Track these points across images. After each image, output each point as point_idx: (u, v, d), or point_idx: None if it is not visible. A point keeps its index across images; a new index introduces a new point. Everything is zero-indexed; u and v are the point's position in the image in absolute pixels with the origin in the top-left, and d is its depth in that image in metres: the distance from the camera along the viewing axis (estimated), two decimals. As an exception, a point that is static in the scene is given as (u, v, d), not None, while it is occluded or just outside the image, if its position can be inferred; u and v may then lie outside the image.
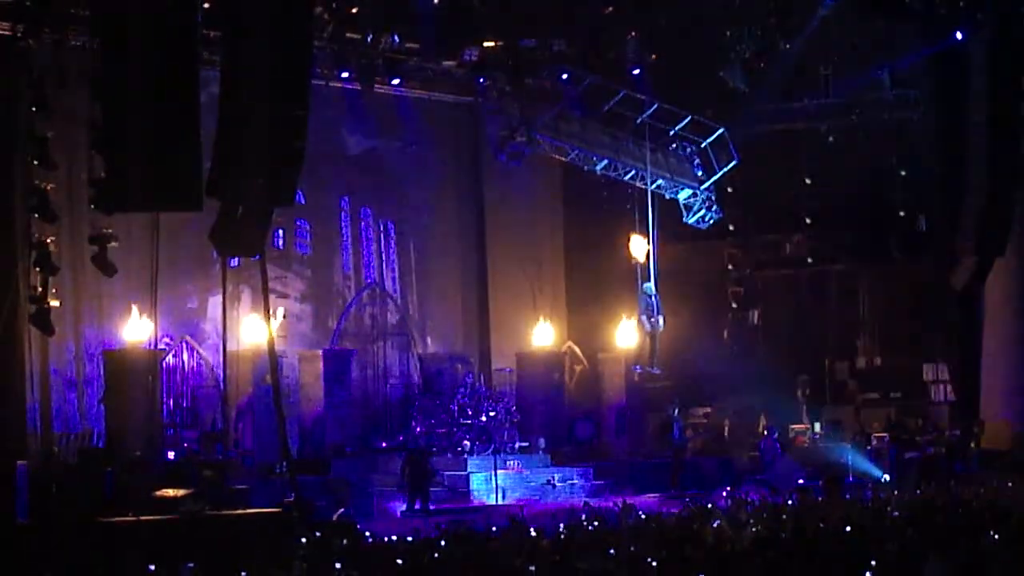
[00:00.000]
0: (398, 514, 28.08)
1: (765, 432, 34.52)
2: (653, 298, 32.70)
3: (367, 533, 21.80)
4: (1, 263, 27.24)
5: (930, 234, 35.55)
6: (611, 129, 34.71)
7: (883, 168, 36.13)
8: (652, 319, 32.77)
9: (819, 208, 37.00)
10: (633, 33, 33.58)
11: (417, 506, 28.25)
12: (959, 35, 32.34)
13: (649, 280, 32.81)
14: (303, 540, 19.50)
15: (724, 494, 27.07)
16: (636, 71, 33.89)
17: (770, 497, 25.94)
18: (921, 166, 35.41)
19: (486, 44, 33.01)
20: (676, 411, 33.17)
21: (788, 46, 33.62)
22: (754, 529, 18.32)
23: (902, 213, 35.81)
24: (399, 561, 16.40)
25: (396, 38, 32.08)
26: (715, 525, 19.00)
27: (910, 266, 36.36)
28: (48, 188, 26.63)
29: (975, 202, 31.61)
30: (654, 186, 34.78)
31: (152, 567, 16.62)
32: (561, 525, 20.22)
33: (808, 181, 36.89)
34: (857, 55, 34.93)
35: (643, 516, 21.80)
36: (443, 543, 18.21)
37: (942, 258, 34.97)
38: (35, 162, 26.62)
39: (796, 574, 14.52)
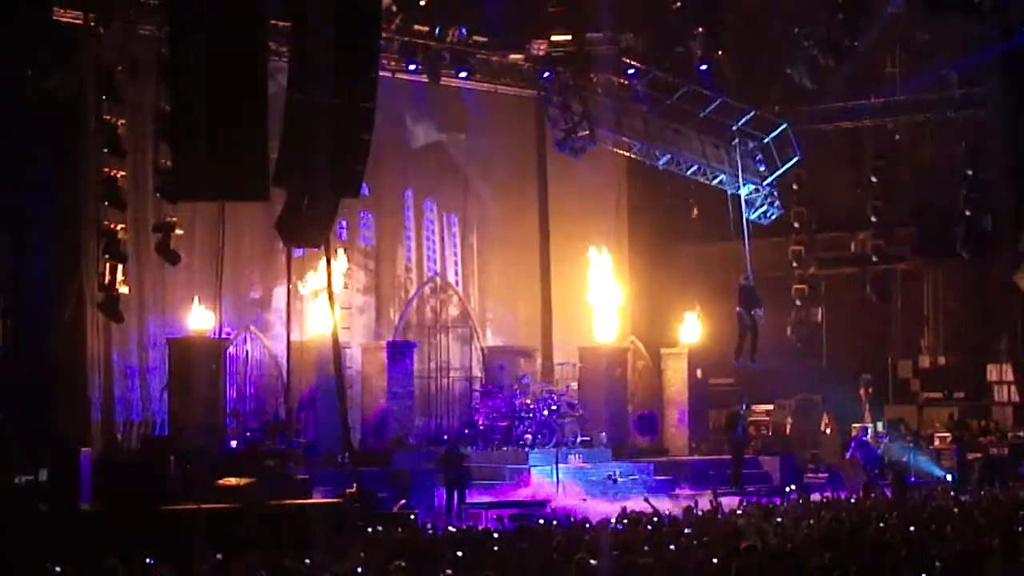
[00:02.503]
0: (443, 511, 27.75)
1: (828, 431, 34.45)
2: (752, 290, 32.50)
3: (428, 524, 21.86)
4: (70, 251, 27.48)
5: (996, 233, 35.26)
6: (674, 124, 34.58)
7: (949, 166, 35.89)
8: (754, 311, 32.43)
9: (885, 206, 36.78)
10: (700, 29, 33.49)
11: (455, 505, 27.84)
12: (1028, 34, 32.17)
13: (747, 271, 32.68)
14: (364, 530, 19.56)
15: (787, 491, 27.01)
16: (703, 67, 33.79)
17: (835, 495, 25.89)
18: (988, 165, 35.15)
19: (554, 38, 33.03)
20: (745, 408, 33.02)
21: (855, 43, 33.44)
22: (808, 531, 18.25)
23: (968, 212, 35.54)
24: (459, 553, 16.42)
25: (463, 31, 32.19)
26: (777, 522, 18.97)
27: (975, 265, 36.07)
28: (118, 176, 26.79)
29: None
30: (716, 181, 34.64)
31: (214, 555, 16.70)
32: (622, 520, 20.25)
33: (874, 179, 36.70)
34: (924, 53, 34.71)
35: (703, 513, 21.78)
36: (503, 536, 18.24)
37: (1008, 258, 34.74)
38: (105, 150, 26.78)
39: (857, 573, 14.44)
